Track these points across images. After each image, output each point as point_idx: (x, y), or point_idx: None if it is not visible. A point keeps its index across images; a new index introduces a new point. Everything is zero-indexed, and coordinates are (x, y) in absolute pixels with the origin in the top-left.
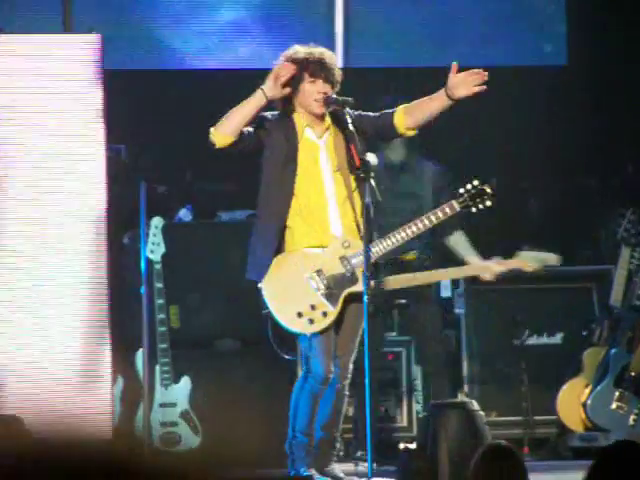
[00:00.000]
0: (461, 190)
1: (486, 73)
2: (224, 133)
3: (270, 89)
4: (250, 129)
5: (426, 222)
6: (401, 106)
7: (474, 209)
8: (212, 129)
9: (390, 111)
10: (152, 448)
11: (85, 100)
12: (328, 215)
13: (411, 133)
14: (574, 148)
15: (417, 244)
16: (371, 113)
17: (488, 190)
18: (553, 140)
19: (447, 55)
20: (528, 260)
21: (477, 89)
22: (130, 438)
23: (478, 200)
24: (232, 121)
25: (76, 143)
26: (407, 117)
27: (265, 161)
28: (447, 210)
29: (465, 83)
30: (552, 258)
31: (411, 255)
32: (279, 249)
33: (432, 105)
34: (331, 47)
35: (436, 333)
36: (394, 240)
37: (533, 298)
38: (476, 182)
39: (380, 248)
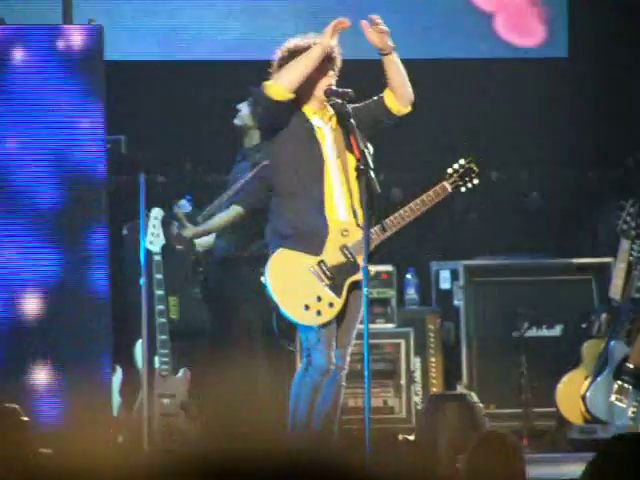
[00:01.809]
0: (449, 170)
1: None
2: (284, 87)
3: (327, 39)
4: None
5: (419, 204)
6: (386, 89)
7: (463, 188)
8: (269, 82)
9: (377, 98)
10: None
11: (85, 91)
12: (334, 200)
13: (406, 110)
14: (575, 141)
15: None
16: (361, 104)
17: (475, 168)
18: (554, 133)
19: (446, 47)
20: None
21: (377, 32)
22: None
23: (467, 179)
24: (293, 74)
25: (76, 133)
26: (394, 95)
27: (282, 143)
28: (439, 191)
29: (370, 33)
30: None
31: None
32: (326, 223)
33: (387, 73)
34: None
35: None
36: (392, 227)
37: (532, 290)
38: (462, 161)
39: (380, 236)
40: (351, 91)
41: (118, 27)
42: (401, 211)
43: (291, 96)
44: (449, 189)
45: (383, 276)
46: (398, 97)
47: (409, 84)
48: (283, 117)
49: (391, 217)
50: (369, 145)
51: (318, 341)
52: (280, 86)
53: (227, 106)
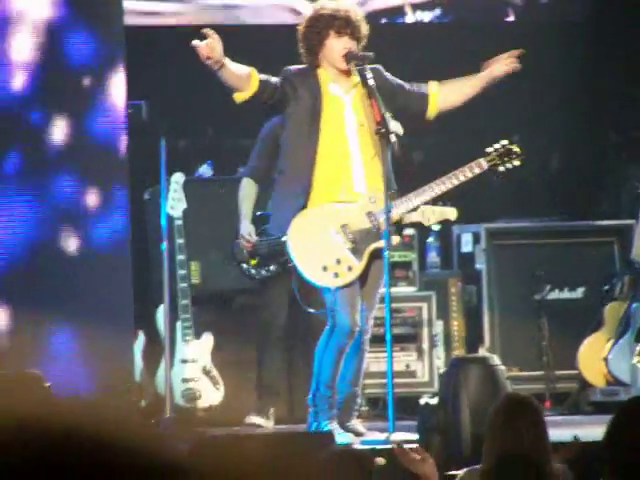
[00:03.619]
0: (489, 149)
1: (522, 50)
2: (234, 90)
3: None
4: (276, 80)
5: (454, 180)
6: (435, 87)
7: (502, 168)
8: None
9: (421, 90)
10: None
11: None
12: (352, 172)
13: (433, 118)
14: (595, 103)
15: None
16: (405, 83)
17: (517, 150)
18: (574, 96)
19: (454, 12)
20: (427, 214)
21: (512, 66)
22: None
23: (506, 159)
24: (227, 83)
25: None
26: (441, 101)
27: (288, 117)
28: (475, 168)
29: (502, 59)
30: (451, 212)
31: None
32: (304, 206)
33: (474, 85)
34: None
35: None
36: (421, 197)
37: (554, 253)
38: (505, 142)
39: (408, 205)
40: (371, 54)
41: None
42: (433, 184)
43: (248, 94)
44: (485, 166)
45: (405, 239)
46: (444, 107)
47: None
48: (284, 95)
49: (422, 188)
50: (399, 125)
51: (338, 303)
52: (235, 93)
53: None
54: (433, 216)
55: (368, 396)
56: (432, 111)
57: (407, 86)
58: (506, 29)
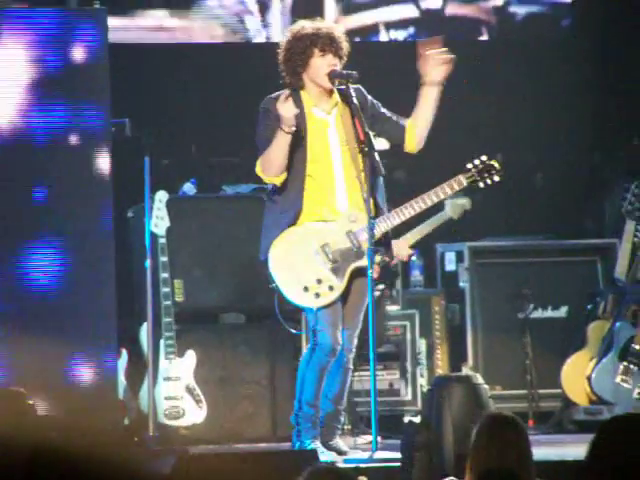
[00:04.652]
0: (469, 165)
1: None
2: (274, 175)
3: (286, 125)
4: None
5: (433, 197)
6: (411, 121)
7: (482, 184)
8: (260, 173)
9: (401, 121)
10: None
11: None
12: (335, 191)
13: (414, 151)
14: (579, 121)
15: None
16: (385, 111)
17: (496, 165)
18: (558, 114)
19: (428, 31)
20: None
21: (444, 65)
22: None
23: (486, 175)
24: (272, 164)
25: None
26: (415, 134)
27: None
28: (454, 185)
29: (429, 62)
30: (466, 202)
31: None
32: None
33: (422, 105)
34: None
35: None
36: (401, 215)
37: (538, 271)
38: (484, 157)
39: (387, 224)
40: (355, 73)
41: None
42: (412, 202)
43: (284, 176)
44: (464, 183)
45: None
46: (417, 134)
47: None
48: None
49: (402, 207)
50: (384, 141)
51: (320, 323)
52: (271, 177)
53: (232, 88)
54: (459, 210)
55: (361, 414)
56: (410, 143)
57: (388, 113)
58: (479, 47)
